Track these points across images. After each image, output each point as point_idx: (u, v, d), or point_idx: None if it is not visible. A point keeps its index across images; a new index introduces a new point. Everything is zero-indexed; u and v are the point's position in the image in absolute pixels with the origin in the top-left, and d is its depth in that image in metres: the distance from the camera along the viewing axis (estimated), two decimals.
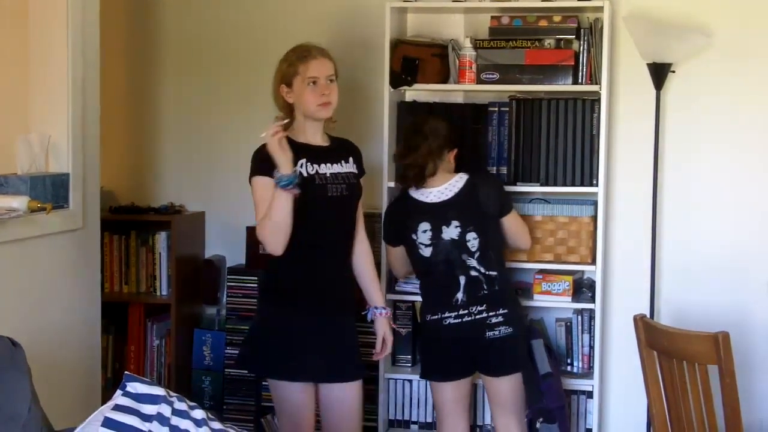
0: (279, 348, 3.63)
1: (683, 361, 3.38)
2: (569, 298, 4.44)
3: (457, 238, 3.98)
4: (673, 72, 4.48)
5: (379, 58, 4.55)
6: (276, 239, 3.51)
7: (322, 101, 3.65)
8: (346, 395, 3.77)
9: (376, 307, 3.90)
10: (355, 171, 3.80)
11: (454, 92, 4.71)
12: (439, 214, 4.02)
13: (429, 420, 4.61)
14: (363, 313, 3.91)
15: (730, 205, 4.62)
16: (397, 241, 4.16)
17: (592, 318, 4.47)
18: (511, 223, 4.15)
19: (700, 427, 3.37)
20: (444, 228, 4.00)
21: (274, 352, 3.65)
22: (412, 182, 4.08)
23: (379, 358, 4.04)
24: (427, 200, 4.05)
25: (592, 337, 4.49)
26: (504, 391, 4.05)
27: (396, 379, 4.62)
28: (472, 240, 3.97)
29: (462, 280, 3.98)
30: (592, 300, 4.42)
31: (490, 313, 3.95)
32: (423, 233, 4.03)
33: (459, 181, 4.06)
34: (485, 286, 3.97)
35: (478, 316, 3.94)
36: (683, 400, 3.41)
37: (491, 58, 4.48)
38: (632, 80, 4.61)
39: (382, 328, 3.92)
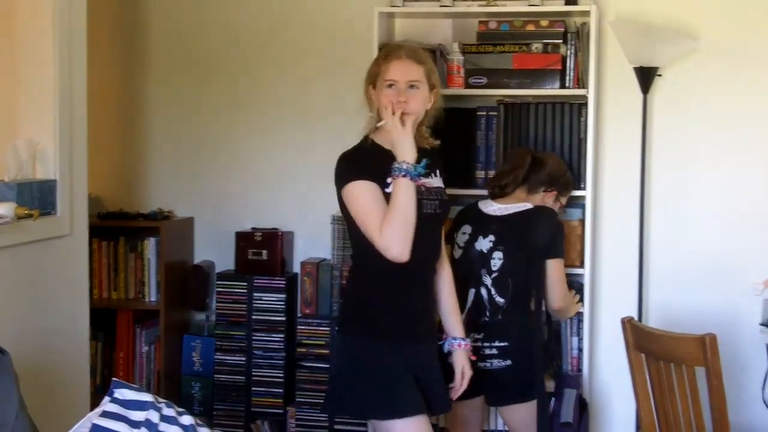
0: (381, 384, 3.26)
1: (671, 363, 3.39)
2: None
3: (486, 251, 3.94)
4: (660, 76, 4.50)
5: (367, 63, 4.54)
6: (407, 240, 3.14)
7: (396, 108, 3.28)
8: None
9: (455, 338, 3.54)
10: (443, 186, 3.48)
11: (443, 97, 4.70)
12: (484, 223, 4.00)
13: None
14: (439, 343, 3.56)
15: (717, 208, 4.63)
16: (447, 240, 4.02)
17: (580, 321, 4.48)
18: (552, 269, 3.96)
19: (687, 428, 3.39)
20: (480, 238, 3.97)
21: (376, 389, 3.27)
22: (489, 196, 4.11)
23: (458, 394, 3.57)
24: (485, 210, 4.05)
25: (580, 340, 4.50)
26: (511, 419, 4.01)
27: None
28: (497, 259, 3.91)
29: (470, 296, 3.92)
30: (581, 302, 4.43)
31: (485, 344, 3.86)
32: (462, 235, 4.02)
33: (523, 206, 4.02)
34: (488, 314, 3.90)
35: (472, 344, 3.75)
36: (671, 402, 3.43)
37: (479, 62, 4.49)
38: (619, 84, 4.62)
39: (461, 360, 3.54)
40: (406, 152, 3.18)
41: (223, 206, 5.08)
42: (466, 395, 3.83)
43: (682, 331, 3.45)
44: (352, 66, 4.84)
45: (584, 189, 4.41)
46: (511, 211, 4.01)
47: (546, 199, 4.11)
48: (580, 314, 4.45)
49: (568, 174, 4.24)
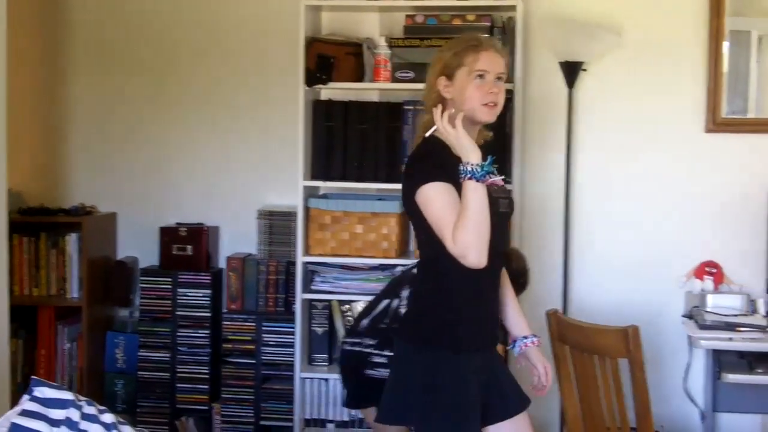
0: (451, 394, 3.05)
1: (594, 355, 3.43)
2: None
3: (415, 270, 3.94)
4: (585, 70, 4.53)
5: (293, 56, 4.53)
6: (483, 245, 2.89)
7: (488, 100, 3.06)
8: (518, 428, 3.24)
9: (525, 337, 3.32)
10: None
11: (370, 91, 4.71)
12: None
13: (345, 419, 4.59)
14: (509, 347, 3.40)
15: (641, 202, 4.68)
16: None
17: None
18: None
19: (611, 419, 3.42)
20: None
21: (444, 400, 3.06)
22: None
23: (544, 392, 3.33)
24: None
25: (505, 333, 4.51)
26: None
27: (312, 379, 4.60)
28: None
29: (382, 305, 3.87)
30: None
31: (376, 351, 3.77)
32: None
33: None
34: (387, 321, 3.82)
35: (365, 349, 3.77)
36: (595, 393, 3.46)
37: (406, 56, 4.49)
38: (545, 79, 4.66)
39: (539, 356, 3.30)
40: (468, 153, 2.93)
41: (147, 201, 5.02)
42: (358, 404, 3.94)
43: (606, 324, 3.48)
44: (278, 59, 4.83)
45: (510, 183, 4.43)
46: None
47: None
48: None
49: (527, 275, 4.07)
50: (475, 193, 2.87)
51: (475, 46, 3.09)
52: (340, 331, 4.58)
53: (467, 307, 3.07)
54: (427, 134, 3.07)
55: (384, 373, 3.66)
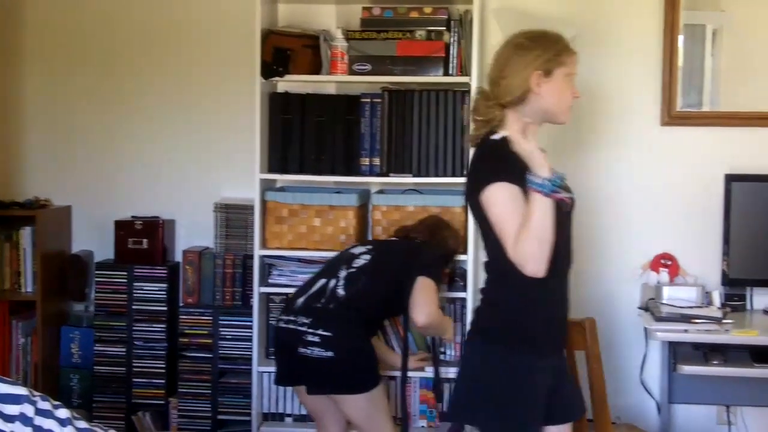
0: (517, 394, 3.03)
1: None
2: (444, 287, 4.47)
3: (356, 253, 3.99)
4: None
5: (250, 49, 4.51)
6: (542, 259, 2.88)
7: (572, 103, 3.13)
8: None
9: None
10: None
11: (327, 83, 4.70)
12: (372, 240, 4.14)
13: (303, 412, 4.58)
14: None
15: (597, 195, 4.70)
16: None
17: (463, 306, 4.50)
18: (420, 285, 3.87)
19: None
20: (360, 246, 4.07)
21: (510, 399, 3.03)
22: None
23: None
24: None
25: (463, 326, 4.52)
26: (345, 411, 3.93)
27: (270, 372, 4.57)
28: (363, 259, 3.95)
29: (318, 284, 3.92)
30: (464, 289, 4.45)
31: (309, 329, 3.79)
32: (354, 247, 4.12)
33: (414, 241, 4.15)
34: (323, 300, 3.87)
35: (299, 327, 3.81)
36: None
37: (363, 49, 4.48)
38: None
39: None
40: (540, 167, 2.90)
41: (102, 194, 4.98)
42: (289, 382, 4.02)
43: None
44: (234, 52, 4.80)
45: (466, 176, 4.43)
46: (400, 239, 4.16)
47: (441, 272, 4.20)
48: (463, 300, 4.47)
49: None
50: (541, 207, 2.85)
51: (570, 47, 3.11)
52: None
53: (538, 307, 3.04)
54: (498, 137, 3.01)
55: (317, 351, 3.76)
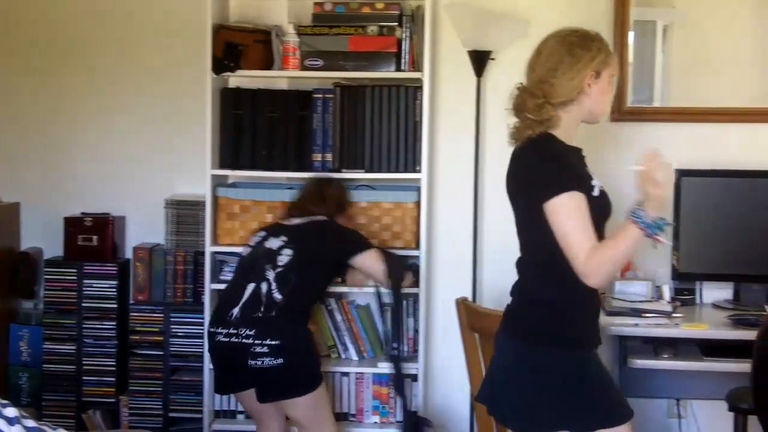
0: (601, 393, 3.03)
1: None
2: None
3: (274, 249, 3.95)
4: (493, 59, 4.56)
5: (201, 44, 4.48)
6: (609, 278, 2.95)
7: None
8: None
9: None
10: None
11: (279, 79, 4.68)
12: (279, 229, 4.04)
13: None
14: None
15: None
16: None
17: (416, 302, 4.51)
18: (362, 262, 4.07)
19: None
20: (272, 238, 4.00)
21: (597, 399, 3.01)
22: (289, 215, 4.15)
23: None
24: (284, 222, 4.13)
25: (416, 321, 4.53)
26: (293, 414, 3.99)
27: None
28: (284, 255, 3.93)
29: (248, 290, 3.91)
30: (417, 285, 4.45)
31: (256, 341, 3.83)
32: (255, 237, 4.06)
33: (319, 217, 4.11)
34: (262, 309, 3.88)
35: (245, 340, 3.84)
36: None
37: (315, 44, 4.46)
38: (454, 67, 4.67)
39: None
40: (657, 209, 2.82)
41: (51, 191, 4.93)
42: (235, 390, 4.04)
43: None
44: (185, 47, 4.77)
45: (419, 172, 4.44)
46: (309, 220, 4.09)
47: (342, 219, 4.22)
48: (416, 295, 4.47)
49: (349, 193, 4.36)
50: (634, 241, 2.83)
51: (610, 50, 3.10)
52: None
53: (586, 304, 3.04)
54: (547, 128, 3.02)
55: (267, 361, 3.80)
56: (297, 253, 3.94)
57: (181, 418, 4.68)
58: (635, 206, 2.84)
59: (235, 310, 3.89)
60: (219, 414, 4.60)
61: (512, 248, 4.67)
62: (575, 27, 3.14)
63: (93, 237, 4.74)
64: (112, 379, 4.72)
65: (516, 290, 3.15)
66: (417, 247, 4.46)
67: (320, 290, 4.20)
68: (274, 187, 4.55)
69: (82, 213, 4.81)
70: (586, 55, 3.02)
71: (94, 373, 4.72)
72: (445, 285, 4.72)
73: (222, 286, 4.51)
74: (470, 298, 4.37)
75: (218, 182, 4.55)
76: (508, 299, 4.50)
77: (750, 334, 3.56)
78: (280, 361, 3.81)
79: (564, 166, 2.96)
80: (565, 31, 3.12)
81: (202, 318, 4.52)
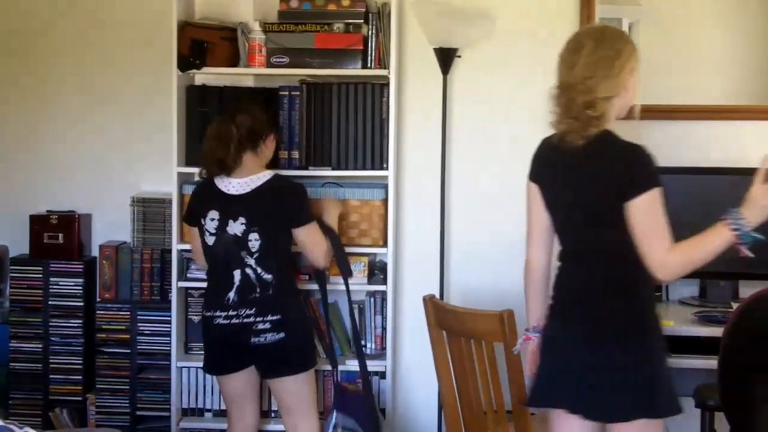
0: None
1: (471, 339, 3.46)
2: (365, 279, 4.47)
3: (240, 235, 3.92)
4: (459, 57, 4.57)
5: (166, 41, 4.46)
6: (683, 274, 3.00)
7: None
8: None
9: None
10: None
11: (245, 76, 4.67)
12: (229, 206, 3.94)
13: (223, 407, 4.52)
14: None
15: (516, 187, 4.71)
16: (193, 222, 4.07)
17: (384, 299, 4.51)
18: (304, 236, 4.01)
19: (487, 401, 3.47)
20: (230, 222, 3.93)
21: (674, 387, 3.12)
22: (214, 173, 3.99)
23: None
24: (225, 190, 3.97)
25: (384, 319, 4.53)
26: (283, 393, 4.03)
27: (189, 368, 4.56)
28: (254, 240, 3.91)
29: (237, 276, 3.91)
30: (384, 282, 4.46)
31: (258, 319, 3.88)
32: (211, 221, 3.96)
33: (262, 178, 3.97)
34: (258, 290, 3.90)
35: (246, 320, 3.88)
36: (471, 377, 3.50)
37: (281, 41, 4.46)
38: (420, 65, 4.68)
39: None
40: (759, 217, 2.87)
41: (17, 188, 4.91)
42: (234, 368, 4.00)
43: (482, 308, 3.52)
44: (150, 44, 4.76)
45: (386, 169, 4.44)
46: (254, 186, 3.95)
47: (270, 145, 4.07)
48: (383, 293, 4.48)
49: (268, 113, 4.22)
50: (722, 242, 2.87)
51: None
52: None
53: (653, 291, 3.13)
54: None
55: (269, 337, 3.88)
56: (264, 237, 3.91)
57: (149, 416, 4.67)
58: (733, 210, 2.86)
59: (231, 294, 3.91)
60: (187, 412, 4.59)
61: (481, 246, 4.74)
62: (602, 24, 3.18)
63: (59, 235, 4.73)
64: (79, 377, 4.71)
65: (596, 289, 3.09)
66: (384, 244, 4.47)
67: (293, 258, 4.21)
68: None
69: (48, 211, 4.79)
70: (625, 49, 3.06)
71: (61, 372, 4.71)
72: (412, 283, 4.73)
73: (189, 284, 4.52)
74: (437, 296, 4.37)
75: (184, 180, 4.53)
76: (476, 297, 4.54)
77: (716, 331, 3.59)
78: (282, 335, 3.88)
79: (653, 164, 2.99)
80: (598, 27, 3.19)
81: (169, 316, 4.51)
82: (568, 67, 3.09)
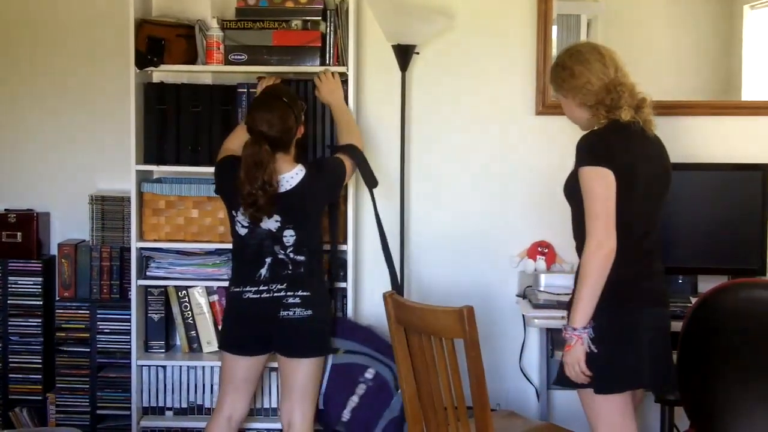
0: None
1: (431, 336, 3.46)
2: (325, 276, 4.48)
3: (275, 231, 3.94)
4: (417, 53, 4.57)
5: (123, 38, 4.43)
6: None
7: None
8: None
9: None
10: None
11: (203, 73, 4.65)
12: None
13: (184, 406, 4.55)
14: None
15: (475, 184, 4.75)
16: (224, 198, 4.09)
17: (344, 296, 4.51)
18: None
19: (448, 398, 3.47)
20: (264, 218, 3.93)
21: None
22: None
23: None
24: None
25: (344, 315, 4.53)
26: (294, 374, 4.04)
27: (149, 366, 4.54)
28: (289, 236, 3.95)
29: (268, 260, 3.96)
30: (345, 279, 4.46)
31: (288, 293, 3.96)
32: (243, 215, 3.95)
33: (295, 177, 3.95)
34: (290, 267, 3.97)
35: (276, 294, 3.95)
36: (432, 373, 3.50)
37: (239, 39, 4.44)
38: (378, 62, 4.68)
39: None
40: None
41: None
42: (258, 350, 4.06)
43: (443, 305, 3.52)
44: (108, 41, 4.73)
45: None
46: (287, 188, 3.94)
47: (299, 135, 4.06)
48: (343, 290, 4.48)
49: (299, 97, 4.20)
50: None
51: None
52: (178, 317, 4.54)
53: None
54: None
55: (298, 312, 3.96)
56: (298, 232, 3.96)
57: (109, 415, 4.65)
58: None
59: (263, 270, 3.96)
60: (147, 411, 4.57)
61: (440, 243, 4.75)
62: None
63: (17, 234, 4.70)
64: (39, 376, 4.70)
65: (663, 269, 3.55)
66: (344, 241, 4.47)
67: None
68: (199, 182, 4.50)
69: (6, 209, 4.77)
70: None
71: (20, 371, 4.69)
72: (372, 279, 4.73)
73: (148, 282, 4.50)
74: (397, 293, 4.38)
75: (143, 178, 4.52)
76: (436, 293, 4.55)
77: (676, 326, 3.61)
78: (310, 312, 3.97)
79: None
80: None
81: (129, 314, 4.49)
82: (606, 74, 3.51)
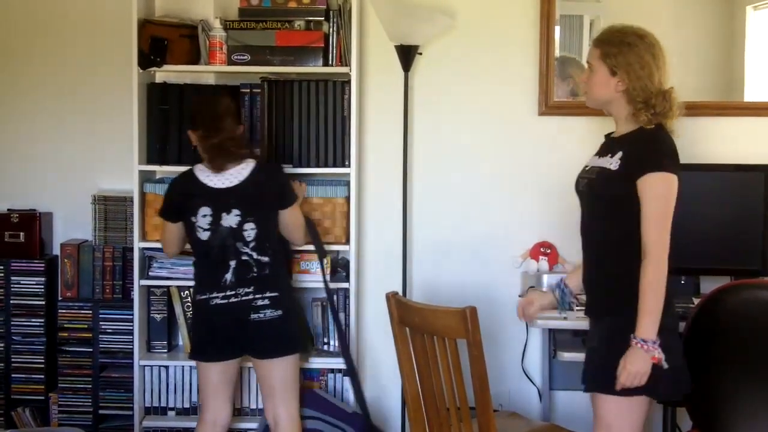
0: None
1: (434, 336, 3.46)
2: (328, 277, 4.47)
3: (235, 226, 3.95)
4: (420, 54, 4.57)
5: (126, 39, 4.43)
6: None
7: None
8: None
9: None
10: (611, 167, 3.37)
11: (206, 73, 4.65)
12: (221, 200, 3.97)
13: (186, 406, 4.55)
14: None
15: (477, 184, 4.75)
16: (176, 218, 4.06)
17: (347, 297, 4.51)
18: (289, 215, 4.11)
19: (450, 398, 3.47)
20: (224, 215, 3.96)
21: None
22: (220, 165, 3.99)
23: None
24: (212, 184, 3.99)
25: (347, 316, 4.53)
26: (272, 374, 4.06)
27: (151, 366, 4.54)
28: (250, 230, 3.95)
29: (233, 263, 3.96)
30: (347, 279, 4.46)
31: (257, 295, 3.96)
32: (203, 218, 3.97)
33: (246, 168, 4.01)
34: (255, 269, 3.97)
35: (244, 298, 3.95)
36: (434, 374, 3.50)
37: (241, 39, 4.44)
38: (381, 62, 4.68)
39: None
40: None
41: None
42: (226, 355, 4.04)
43: (445, 305, 3.52)
44: (111, 42, 4.73)
45: (349, 167, 4.44)
46: (242, 178, 3.99)
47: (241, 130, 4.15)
48: (346, 290, 4.48)
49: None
50: None
51: None
52: (181, 317, 4.55)
53: None
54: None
55: (269, 313, 3.97)
56: (259, 225, 3.98)
57: (111, 415, 4.65)
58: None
59: (228, 275, 3.96)
60: (149, 410, 4.57)
61: (443, 243, 4.75)
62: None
63: (20, 233, 4.70)
64: (41, 376, 4.69)
65: None
66: (347, 242, 4.47)
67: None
68: None
69: (9, 209, 4.77)
70: None
71: (23, 371, 4.69)
72: (374, 280, 4.73)
73: (151, 282, 4.50)
74: (400, 293, 4.38)
75: (146, 178, 4.52)
76: (439, 293, 4.55)
77: (679, 326, 3.61)
78: (279, 312, 3.98)
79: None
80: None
81: (131, 314, 4.49)
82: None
